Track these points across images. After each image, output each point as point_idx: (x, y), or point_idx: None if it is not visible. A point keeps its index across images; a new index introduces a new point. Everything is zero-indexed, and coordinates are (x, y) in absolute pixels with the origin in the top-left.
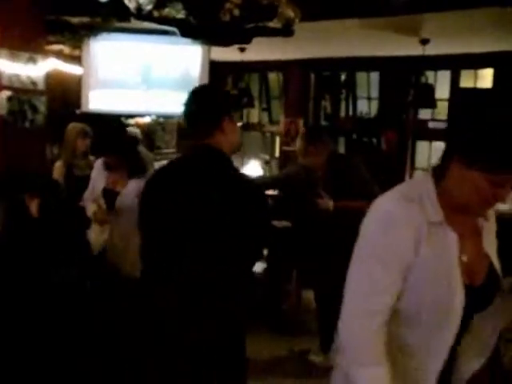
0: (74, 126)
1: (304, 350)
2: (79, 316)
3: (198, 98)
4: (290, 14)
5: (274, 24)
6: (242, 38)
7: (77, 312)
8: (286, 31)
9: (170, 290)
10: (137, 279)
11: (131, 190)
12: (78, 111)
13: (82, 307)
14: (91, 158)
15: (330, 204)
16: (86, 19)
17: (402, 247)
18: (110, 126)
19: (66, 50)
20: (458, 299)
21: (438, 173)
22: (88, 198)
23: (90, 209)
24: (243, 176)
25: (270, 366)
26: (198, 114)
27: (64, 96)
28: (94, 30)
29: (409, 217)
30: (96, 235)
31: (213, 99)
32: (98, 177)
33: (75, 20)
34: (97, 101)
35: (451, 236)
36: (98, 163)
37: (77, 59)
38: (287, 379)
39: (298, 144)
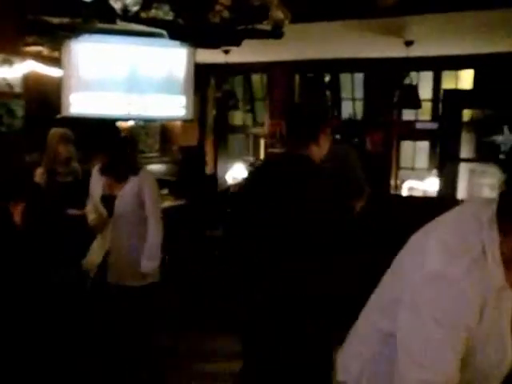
0: (55, 131)
1: None
2: (79, 315)
3: (299, 112)
4: (280, 15)
5: (263, 26)
6: (232, 41)
7: (76, 311)
8: (276, 33)
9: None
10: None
11: (128, 190)
12: (58, 115)
13: (81, 307)
14: (74, 164)
15: None
16: (66, 20)
17: (468, 318)
18: (105, 124)
19: (45, 51)
20: (508, 359)
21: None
22: (88, 207)
23: (90, 217)
24: (334, 186)
25: None
26: (300, 127)
27: (43, 99)
28: (74, 31)
29: (472, 284)
30: (98, 245)
31: (314, 114)
32: (96, 184)
33: (55, 20)
34: (78, 104)
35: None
36: (95, 170)
37: (56, 61)
38: None
39: None
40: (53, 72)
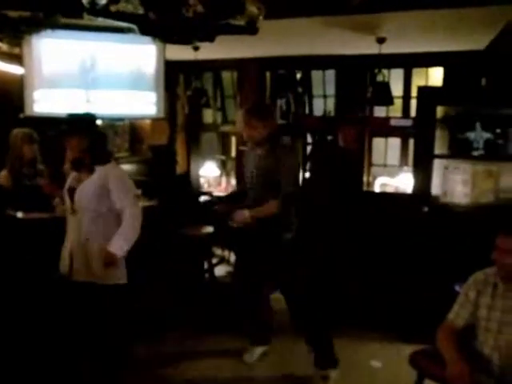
0: (18, 132)
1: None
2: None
3: None
4: (255, 10)
5: (237, 21)
6: (206, 36)
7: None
8: (251, 29)
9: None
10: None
11: (90, 181)
12: (21, 115)
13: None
14: (40, 166)
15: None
16: (26, 14)
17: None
18: (81, 114)
19: (4, 47)
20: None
21: None
22: (56, 200)
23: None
24: None
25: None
26: None
27: (3, 98)
28: (36, 27)
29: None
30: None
31: None
32: (68, 179)
33: (14, 14)
34: (41, 103)
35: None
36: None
37: (17, 58)
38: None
39: None
40: (13, 69)
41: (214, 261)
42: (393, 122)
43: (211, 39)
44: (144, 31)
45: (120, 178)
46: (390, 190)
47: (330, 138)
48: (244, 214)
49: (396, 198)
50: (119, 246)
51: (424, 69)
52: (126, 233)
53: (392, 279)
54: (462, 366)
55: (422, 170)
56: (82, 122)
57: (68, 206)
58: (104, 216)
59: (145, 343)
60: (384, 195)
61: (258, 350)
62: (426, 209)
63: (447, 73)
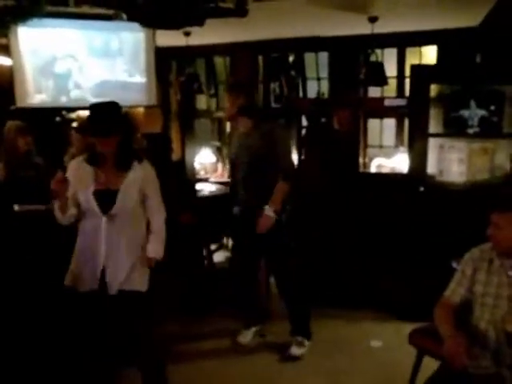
0: (12, 124)
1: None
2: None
3: None
4: None
5: (226, 4)
6: (194, 20)
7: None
8: (240, 11)
9: None
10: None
11: (131, 182)
12: (13, 106)
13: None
14: (35, 158)
15: None
16: (10, 2)
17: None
18: (107, 104)
19: None
20: None
21: None
22: (56, 205)
23: (58, 215)
24: None
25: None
26: None
27: None
28: (21, 16)
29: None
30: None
31: None
32: (82, 177)
33: None
34: (32, 94)
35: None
36: (74, 163)
37: (4, 49)
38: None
39: None
40: (2, 60)
41: (213, 247)
42: (387, 102)
43: (200, 23)
44: (132, 17)
45: (155, 178)
46: (385, 170)
47: (323, 120)
48: (270, 218)
49: (392, 178)
50: (158, 250)
51: (418, 48)
52: (161, 236)
53: (389, 259)
54: (459, 341)
55: (417, 150)
56: (113, 112)
57: (95, 210)
58: (140, 219)
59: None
60: (380, 176)
61: (252, 330)
62: (421, 188)
63: (441, 51)
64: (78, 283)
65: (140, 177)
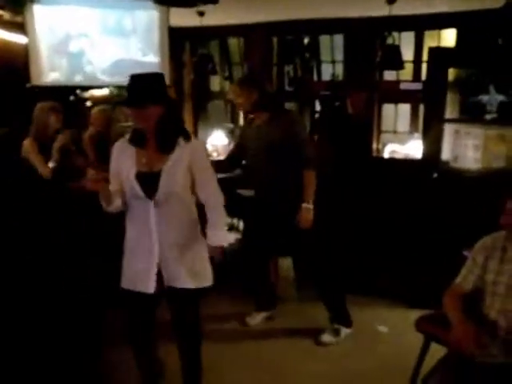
0: (44, 104)
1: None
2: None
3: None
4: None
5: None
6: None
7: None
8: None
9: None
10: None
11: (176, 163)
12: (28, 84)
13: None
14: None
15: None
16: None
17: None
18: (148, 73)
19: (7, 16)
20: None
21: None
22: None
23: (105, 202)
24: None
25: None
26: None
27: (9, 68)
28: None
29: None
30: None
31: None
32: (124, 158)
33: None
34: (46, 73)
35: None
36: (118, 144)
37: (20, 26)
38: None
39: None
40: (18, 38)
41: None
42: (403, 86)
43: (214, 0)
44: None
45: (205, 157)
46: (399, 156)
47: (337, 104)
48: (309, 210)
49: (404, 163)
50: (223, 236)
51: (436, 31)
52: (222, 221)
53: (400, 245)
54: (468, 327)
55: (432, 135)
56: (152, 81)
57: (140, 195)
58: (189, 205)
59: None
60: (393, 161)
61: (262, 315)
62: (435, 174)
63: (461, 34)
64: (134, 283)
65: (186, 155)
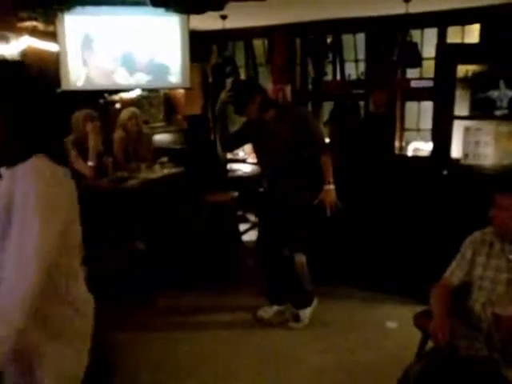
0: (79, 113)
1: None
2: None
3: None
4: None
5: None
6: (216, 4)
7: None
8: None
9: None
10: None
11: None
12: (58, 90)
13: None
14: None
15: None
16: None
17: None
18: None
19: (40, 26)
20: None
21: None
22: None
23: None
24: None
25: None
26: None
27: (42, 74)
28: (66, 3)
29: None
30: None
31: None
32: None
33: None
34: (77, 78)
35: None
36: None
37: (52, 35)
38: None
39: None
40: (50, 47)
41: (247, 226)
42: (419, 84)
43: (221, 7)
44: (155, 3)
45: (41, 192)
46: (423, 154)
47: (350, 103)
48: (331, 190)
49: (414, 161)
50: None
51: (460, 27)
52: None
53: (409, 241)
54: (444, 321)
55: (441, 132)
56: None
57: None
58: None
59: (168, 297)
60: (415, 159)
61: (274, 308)
62: (445, 172)
63: (485, 30)
64: None
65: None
